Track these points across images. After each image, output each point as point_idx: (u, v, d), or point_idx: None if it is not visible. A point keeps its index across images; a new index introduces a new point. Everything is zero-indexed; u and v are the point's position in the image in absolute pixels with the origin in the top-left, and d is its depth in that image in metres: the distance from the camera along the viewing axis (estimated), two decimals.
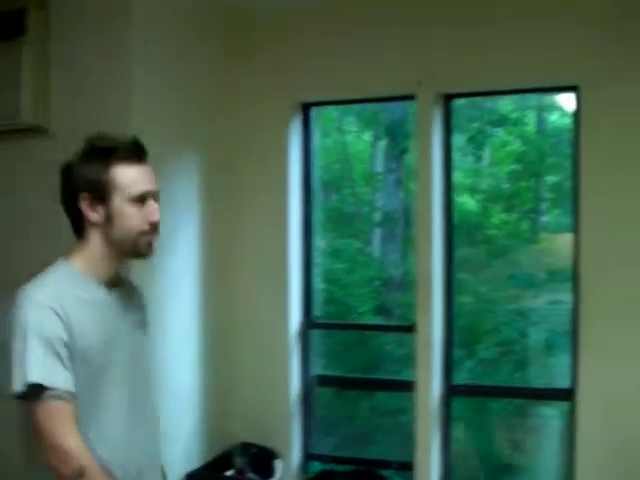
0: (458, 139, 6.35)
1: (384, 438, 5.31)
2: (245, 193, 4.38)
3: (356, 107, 5.64)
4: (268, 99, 4.28)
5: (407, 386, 4.29)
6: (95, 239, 2.04)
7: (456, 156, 6.48)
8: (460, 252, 5.58)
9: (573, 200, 3.97)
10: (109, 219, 2.02)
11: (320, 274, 5.01)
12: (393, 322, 5.48)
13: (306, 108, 4.51)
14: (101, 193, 2.01)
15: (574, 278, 3.94)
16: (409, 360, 4.33)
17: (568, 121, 4.33)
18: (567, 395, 4.09)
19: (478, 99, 5.91)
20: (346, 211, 5.80)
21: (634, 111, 3.50)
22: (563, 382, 4.25)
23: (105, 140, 2.05)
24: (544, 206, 5.72)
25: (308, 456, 4.63)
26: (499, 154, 6.49)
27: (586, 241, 3.80)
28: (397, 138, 5.69)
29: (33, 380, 1.82)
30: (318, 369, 4.68)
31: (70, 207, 2.04)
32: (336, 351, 5.26)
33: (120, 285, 2.12)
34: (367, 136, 6.23)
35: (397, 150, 5.74)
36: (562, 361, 4.33)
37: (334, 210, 5.95)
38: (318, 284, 4.88)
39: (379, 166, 6.08)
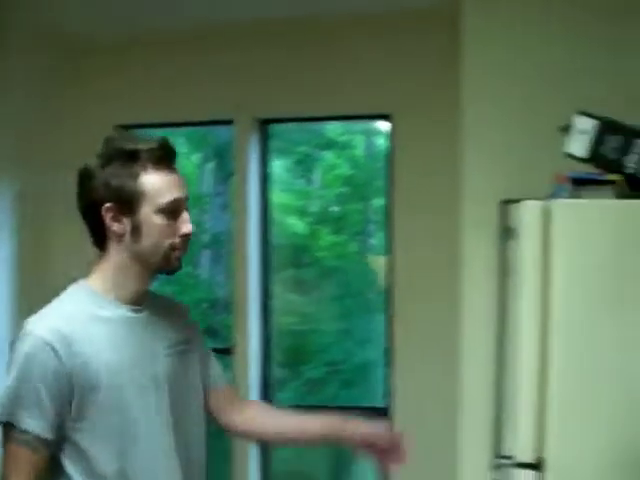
0: (286, 162, 6.44)
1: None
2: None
3: (185, 128, 5.61)
4: (89, 124, 4.20)
5: None
6: (118, 253, 1.73)
7: (286, 179, 6.59)
8: (288, 273, 5.66)
9: (387, 222, 4.09)
10: (135, 231, 1.71)
11: None
12: (219, 344, 5.46)
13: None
14: (127, 203, 1.70)
15: (387, 299, 4.05)
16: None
17: None
18: (383, 413, 4.18)
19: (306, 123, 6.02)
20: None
21: (441, 138, 3.64)
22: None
23: (130, 141, 1.76)
24: (371, 228, 5.82)
25: None
26: (328, 177, 6.61)
27: (399, 262, 3.93)
28: (224, 160, 5.71)
29: (1, 418, 1.62)
30: None
31: (90, 217, 1.73)
32: None
33: (151, 302, 1.82)
34: (196, 158, 6.22)
35: (224, 172, 5.76)
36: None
37: None
38: None
39: (207, 188, 6.08)
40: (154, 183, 1.72)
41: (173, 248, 1.74)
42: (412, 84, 3.75)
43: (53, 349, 1.63)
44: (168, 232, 1.73)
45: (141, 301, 1.78)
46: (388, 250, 4.00)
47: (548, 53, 2.73)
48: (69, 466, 1.65)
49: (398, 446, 1.85)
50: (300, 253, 5.92)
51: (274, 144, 6.11)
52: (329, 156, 6.46)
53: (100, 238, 1.74)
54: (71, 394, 1.64)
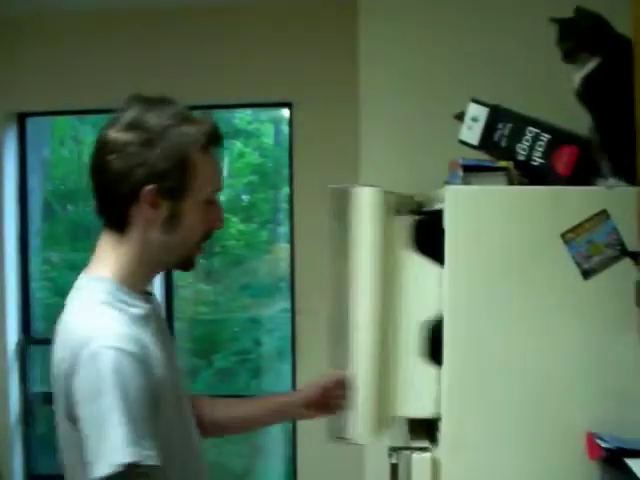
0: None
1: None
2: None
3: (93, 116, 5.51)
4: None
5: None
6: (143, 241, 1.52)
7: None
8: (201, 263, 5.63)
9: (289, 211, 4.11)
10: (172, 220, 1.52)
11: (52, 288, 4.86)
12: None
13: (23, 119, 4.34)
14: (173, 188, 1.50)
15: (291, 288, 4.07)
16: None
17: None
18: None
19: (214, 111, 5.98)
20: (82, 223, 5.64)
21: (340, 127, 3.66)
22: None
23: (186, 116, 1.54)
24: (280, 217, 5.83)
25: (30, 477, 4.48)
26: (237, 165, 6.58)
27: (299, 251, 3.94)
28: None
29: (124, 460, 1.30)
30: (40, 386, 4.50)
31: (117, 196, 1.49)
32: None
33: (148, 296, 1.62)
34: None
35: None
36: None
37: (70, 222, 5.79)
38: (49, 299, 4.74)
39: None
40: (205, 170, 1.54)
41: (201, 242, 1.60)
42: (312, 72, 3.77)
43: (135, 357, 1.39)
44: (204, 225, 1.58)
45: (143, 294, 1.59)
46: (290, 239, 4.01)
47: (447, 42, 2.75)
48: None
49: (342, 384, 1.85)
50: (209, 242, 5.87)
51: None
52: (238, 145, 6.43)
53: (122, 221, 1.52)
54: (157, 408, 1.43)
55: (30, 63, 4.15)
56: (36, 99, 4.22)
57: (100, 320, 1.44)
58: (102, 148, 1.51)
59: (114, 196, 1.51)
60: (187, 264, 1.62)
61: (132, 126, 1.49)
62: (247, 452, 5.66)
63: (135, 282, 1.55)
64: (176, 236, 1.54)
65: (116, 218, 1.52)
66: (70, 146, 5.94)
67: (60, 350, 1.45)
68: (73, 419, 1.39)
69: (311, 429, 3.92)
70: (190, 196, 1.52)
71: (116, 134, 1.49)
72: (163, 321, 1.69)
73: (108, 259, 1.53)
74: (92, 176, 1.54)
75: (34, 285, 4.66)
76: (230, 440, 5.41)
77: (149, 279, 1.62)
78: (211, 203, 1.57)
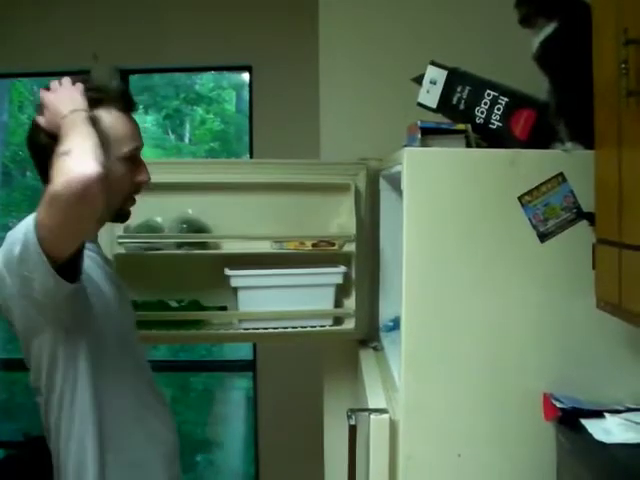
0: (157, 117, 6.33)
1: None
2: None
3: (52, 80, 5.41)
4: None
5: None
6: None
7: (156, 134, 6.48)
8: None
9: None
10: None
11: None
12: None
13: None
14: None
15: None
16: None
17: None
18: (250, 366, 4.26)
19: (175, 77, 5.93)
20: (42, 189, 5.55)
21: (299, 90, 3.64)
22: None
23: (93, 84, 1.69)
24: None
25: None
26: (199, 132, 6.53)
27: None
28: None
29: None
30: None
31: (44, 157, 1.57)
32: None
33: None
34: None
35: None
36: None
37: (29, 188, 5.71)
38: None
39: None
40: (119, 130, 1.69)
41: (129, 196, 1.75)
42: (272, 36, 3.73)
43: None
44: (127, 180, 1.72)
45: None
46: None
47: (406, 4, 2.73)
48: None
49: None
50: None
51: (143, 100, 5.99)
52: (199, 111, 6.37)
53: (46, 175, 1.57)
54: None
55: None
56: None
57: None
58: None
59: (42, 161, 1.61)
60: (122, 216, 1.80)
61: None
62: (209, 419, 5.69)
63: None
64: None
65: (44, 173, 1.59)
66: (29, 111, 5.85)
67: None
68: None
69: (270, 390, 3.99)
70: (110, 153, 1.62)
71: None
72: (111, 266, 1.89)
73: None
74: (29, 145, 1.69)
75: None
76: (192, 407, 5.45)
77: (91, 234, 1.75)
78: (134, 159, 1.73)
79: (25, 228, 1.49)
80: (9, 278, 1.54)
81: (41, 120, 1.64)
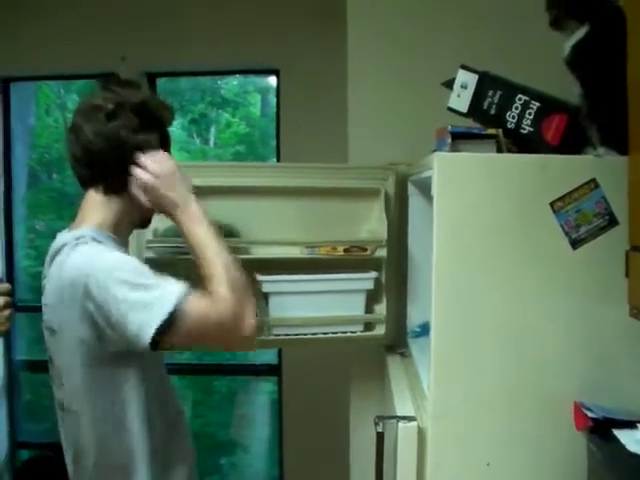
0: (182, 121, 6.35)
1: None
2: None
3: (78, 84, 5.46)
4: None
5: None
6: (131, 199, 1.80)
7: (182, 138, 6.50)
8: None
9: None
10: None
11: (37, 257, 4.83)
12: None
13: (6, 84, 4.27)
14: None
15: None
16: None
17: None
18: (275, 370, 4.25)
19: (201, 81, 5.94)
20: (67, 191, 5.60)
21: (327, 95, 3.62)
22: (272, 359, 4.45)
23: (159, 100, 1.89)
24: None
25: (16, 444, 4.45)
26: (224, 136, 6.53)
27: None
28: None
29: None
30: (23, 354, 4.49)
31: (117, 159, 1.76)
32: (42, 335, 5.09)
33: None
34: None
35: None
36: None
37: (55, 191, 5.74)
38: (34, 267, 4.71)
39: None
40: (169, 144, 1.87)
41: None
42: (300, 40, 3.73)
43: None
44: None
45: None
46: None
47: (437, 7, 2.71)
48: None
49: None
50: None
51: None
52: (225, 115, 6.38)
53: (114, 187, 1.78)
54: None
55: (15, 28, 4.08)
56: (20, 64, 4.14)
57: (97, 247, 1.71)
58: (99, 119, 1.75)
59: (111, 161, 1.76)
60: (148, 222, 1.93)
61: (125, 104, 1.76)
62: (233, 421, 5.69)
63: (120, 236, 1.82)
64: (150, 199, 1.80)
65: (111, 183, 1.78)
66: (55, 115, 5.88)
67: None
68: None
69: (295, 394, 3.98)
70: None
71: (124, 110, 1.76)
72: None
73: (96, 219, 1.77)
74: (89, 145, 1.74)
75: (19, 253, 4.62)
76: (215, 409, 5.44)
77: (128, 235, 1.89)
78: None
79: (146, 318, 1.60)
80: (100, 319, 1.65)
81: (142, 198, 1.80)
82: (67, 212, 5.59)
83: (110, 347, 1.67)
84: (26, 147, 5.05)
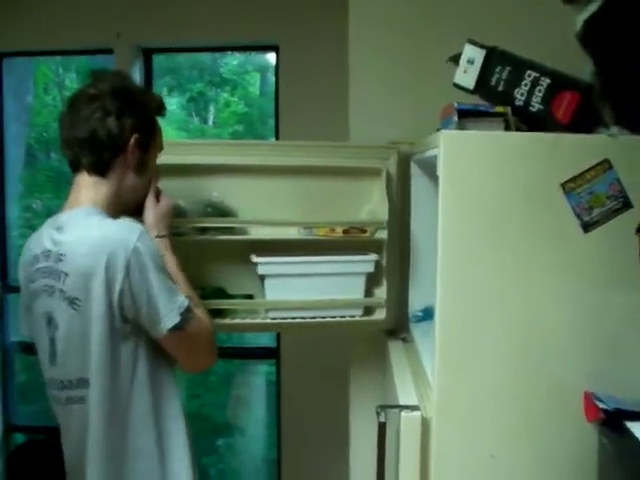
0: (180, 100, 6.28)
1: None
2: None
3: (77, 62, 5.39)
4: None
5: None
6: (120, 182, 1.86)
7: (180, 117, 6.43)
8: None
9: None
10: (141, 166, 1.88)
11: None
12: None
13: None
14: (148, 139, 1.88)
15: None
16: None
17: None
18: (273, 353, 4.21)
19: (200, 59, 5.87)
20: (65, 170, 5.52)
21: (327, 72, 3.55)
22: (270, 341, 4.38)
23: (143, 89, 2.12)
24: None
25: (10, 427, 4.38)
26: (223, 115, 6.48)
27: None
28: None
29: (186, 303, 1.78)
30: (18, 335, 4.40)
31: (104, 141, 1.81)
32: None
33: None
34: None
35: None
36: None
37: (53, 170, 5.68)
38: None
39: None
40: (159, 130, 1.93)
41: (145, 194, 1.94)
42: (299, 14, 3.64)
43: None
44: (153, 175, 1.95)
45: None
46: None
47: None
48: None
49: None
50: None
51: (167, 82, 5.94)
52: (224, 94, 6.33)
53: (107, 166, 1.82)
54: None
55: (9, 3, 3.99)
56: (14, 40, 4.06)
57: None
58: (89, 104, 1.80)
59: (105, 145, 1.80)
60: (138, 209, 1.95)
61: (117, 90, 1.82)
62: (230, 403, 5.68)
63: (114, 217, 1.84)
64: (143, 179, 1.90)
65: (101, 164, 1.82)
66: (53, 93, 5.82)
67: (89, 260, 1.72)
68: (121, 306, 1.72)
69: (294, 378, 3.92)
70: (153, 148, 1.90)
71: (105, 98, 1.80)
72: None
73: (90, 199, 1.81)
74: (76, 128, 1.80)
75: (15, 232, 4.56)
76: (212, 390, 5.42)
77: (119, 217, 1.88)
78: (155, 158, 1.95)
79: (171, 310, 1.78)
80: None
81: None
82: (64, 191, 5.50)
83: (131, 323, 1.75)
84: (23, 125, 4.99)
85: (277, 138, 4.02)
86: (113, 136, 1.80)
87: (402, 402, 1.80)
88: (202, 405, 5.65)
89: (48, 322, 1.80)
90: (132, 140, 1.82)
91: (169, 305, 1.74)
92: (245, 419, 5.64)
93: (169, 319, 1.74)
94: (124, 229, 1.76)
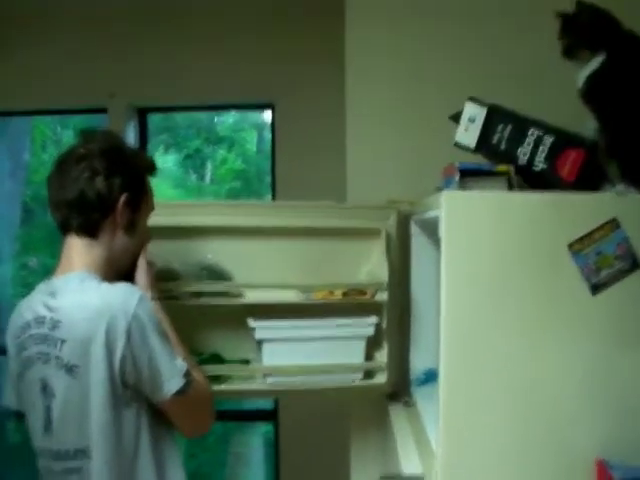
0: (177, 157, 6.30)
1: None
2: None
3: (74, 120, 5.42)
4: None
5: None
6: (111, 243, 1.81)
7: (177, 174, 6.44)
8: None
9: None
10: (132, 226, 1.84)
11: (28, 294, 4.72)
12: None
13: None
14: (139, 199, 1.84)
15: None
16: None
17: None
18: (271, 416, 4.14)
19: (197, 118, 5.90)
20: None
21: (324, 131, 3.54)
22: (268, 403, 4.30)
23: (133, 149, 1.97)
24: None
25: None
26: (220, 172, 6.50)
27: None
28: None
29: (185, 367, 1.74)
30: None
31: (94, 202, 1.76)
32: None
33: None
34: None
35: None
36: None
37: (50, 227, 5.64)
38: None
39: None
40: (149, 190, 1.88)
41: (136, 256, 1.89)
42: (295, 74, 3.65)
43: None
44: (144, 236, 1.89)
45: None
46: None
47: (440, 39, 2.60)
48: None
49: None
50: None
51: (164, 139, 5.96)
52: (221, 151, 6.37)
53: (96, 227, 1.77)
54: None
55: (2, 62, 4.00)
56: (7, 100, 4.06)
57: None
58: (78, 165, 1.75)
59: (94, 205, 1.76)
60: (128, 272, 1.88)
61: (106, 150, 1.78)
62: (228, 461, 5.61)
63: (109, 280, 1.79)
64: (134, 240, 1.85)
65: (91, 225, 1.77)
66: (51, 151, 5.84)
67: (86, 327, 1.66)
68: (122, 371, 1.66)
69: (293, 440, 3.83)
70: (143, 208, 1.85)
71: (93, 158, 1.76)
72: None
73: (83, 263, 1.76)
74: (65, 189, 1.76)
75: (10, 291, 4.51)
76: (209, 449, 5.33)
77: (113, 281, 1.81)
78: (146, 219, 1.89)
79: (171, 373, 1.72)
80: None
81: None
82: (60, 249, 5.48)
83: (132, 389, 1.70)
84: (19, 183, 4.97)
85: (274, 195, 3.99)
86: (102, 196, 1.75)
87: (405, 470, 1.75)
88: (199, 465, 5.57)
89: (43, 390, 1.72)
90: (121, 200, 1.77)
91: (171, 369, 1.70)
92: (244, 478, 5.56)
93: (173, 383, 1.70)
94: (123, 293, 1.70)
